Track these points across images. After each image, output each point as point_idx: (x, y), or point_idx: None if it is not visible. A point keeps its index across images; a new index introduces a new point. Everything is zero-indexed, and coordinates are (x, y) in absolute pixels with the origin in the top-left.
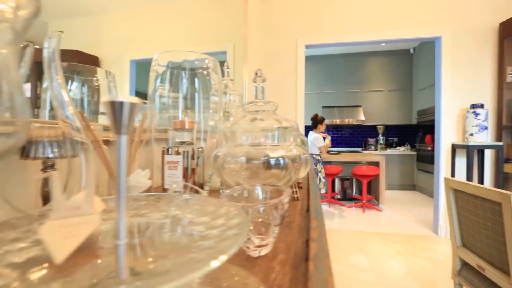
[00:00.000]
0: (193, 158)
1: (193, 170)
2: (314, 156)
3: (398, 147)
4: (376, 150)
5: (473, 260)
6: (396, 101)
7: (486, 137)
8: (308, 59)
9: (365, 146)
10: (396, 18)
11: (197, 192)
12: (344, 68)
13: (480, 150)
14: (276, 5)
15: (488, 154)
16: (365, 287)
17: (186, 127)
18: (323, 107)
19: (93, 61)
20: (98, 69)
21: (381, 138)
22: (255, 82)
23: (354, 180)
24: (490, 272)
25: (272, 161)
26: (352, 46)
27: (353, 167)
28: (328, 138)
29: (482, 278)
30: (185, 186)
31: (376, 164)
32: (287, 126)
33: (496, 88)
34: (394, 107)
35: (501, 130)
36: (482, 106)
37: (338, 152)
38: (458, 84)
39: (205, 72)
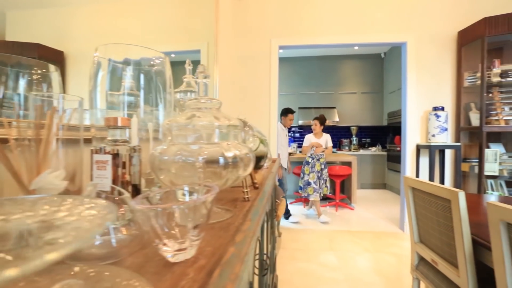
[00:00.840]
0: (126, 157)
1: (126, 170)
2: (306, 157)
3: (370, 148)
4: (350, 150)
5: (428, 255)
6: (368, 103)
7: (446, 138)
8: (285, 60)
9: (339, 147)
10: (366, 23)
11: (120, 194)
12: (319, 70)
13: (441, 150)
14: (251, 5)
15: (448, 154)
16: (333, 285)
17: (119, 124)
18: (300, 108)
19: (57, 55)
20: (42, 63)
21: (354, 139)
22: (196, 78)
23: (328, 180)
24: (442, 266)
25: (212, 160)
26: (324, 48)
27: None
28: (315, 142)
29: (436, 272)
30: (112, 188)
31: (349, 164)
32: (226, 124)
33: (455, 92)
34: (366, 109)
35: (459, 131)
36: (442, 108)
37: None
38: (421, 88)
39: (154, 68)
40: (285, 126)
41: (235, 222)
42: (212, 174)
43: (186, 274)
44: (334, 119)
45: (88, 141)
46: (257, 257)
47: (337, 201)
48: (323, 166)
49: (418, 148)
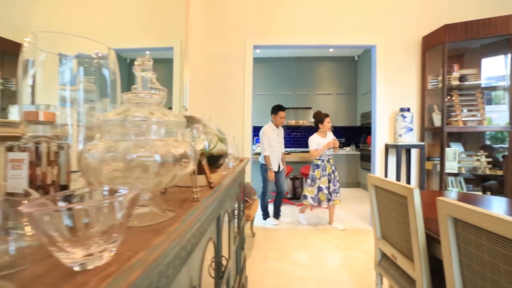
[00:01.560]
0: (49, 156)
1: (47, 169)
2: (314, 160)
3: (344, 147)
4: None
5: (389, 251)
6: (343, 104)
7: (412, 138)
8: (262, 60)
9: None
10: (338, 26)
11: (27, 195)
12: (296, 71)
13: (408, 149)
14: (225, 4)
15: (414, 153)
16: (303, 284)
17: (41, 119)
18: None
19: (19, 48)
20: None
21: None
22: (135, 71)
23: (303, 179)
24: (400, 261)
25: (143, 158)
26: (299, 49)
27: (302, 167)
28: (331, 140)
29: (396, 267)
30: (26, 190)
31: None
32: (163, 120)
33: (420, 94)
34: (341, 110)
35: (423, 131)
36: (408, 109)
37: (289, 153)
38: (390, 90)
39: (96, 62)
40: (276, 126)
41: (173, 224)
42: (143, 172)
43: (85, 284)
44: (311, 119)
45: (15, 138)
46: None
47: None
48: (334, 168)
49: (387, 148)
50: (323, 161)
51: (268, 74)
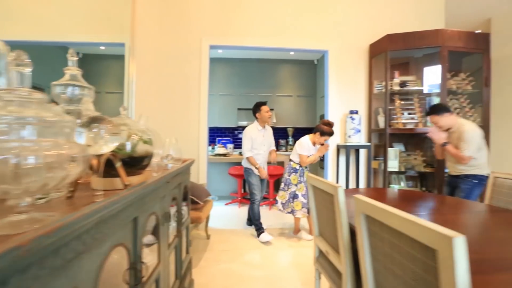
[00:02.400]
0: None
1: None
2: (292, 163)
3: None
4: (287, 150)
5: (324, 247)
6: (303, 106)
7: (360, 139)
8: (225, 61)
9: (277, 148)
10: (294, 30)
11: None
12: (258, 72)
13: (357, 149)
14: (181, 2)
15: (362, 153)
16: (252, 283)
17: None
18: (239, 109)
19: None
20: None
21: (290, 140)
22: (9, 65)
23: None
24: (331, 256)
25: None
26: (255, 50)
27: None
28: (324, 146)
29: (329, 262)
30: None
31: (282, 164)
32: (35, 119)
33: (368, 98)
34: (301, 112)
35: (370, 132)
36: (357, 112)
37: None
38: (341, 93)
39: None
40: (263, 125)
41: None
42: (13, 176)
43: None
44: (272, 120)
45: None
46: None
47: (271, 200)
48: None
49: (338, 148)
50: (300, 166)
51: (231, 75)
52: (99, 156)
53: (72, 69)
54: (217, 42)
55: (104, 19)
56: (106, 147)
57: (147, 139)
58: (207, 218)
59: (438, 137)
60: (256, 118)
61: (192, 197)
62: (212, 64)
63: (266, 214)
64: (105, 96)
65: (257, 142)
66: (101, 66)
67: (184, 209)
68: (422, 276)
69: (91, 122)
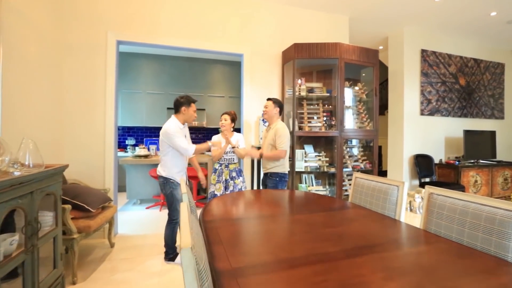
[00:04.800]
0: None
1: None
2: (215, 164)
3: None
4: None
5: None
6: (235, 106)
7: None
8: (153, 57)
9: None
10: (209, 31)
11: None
12: (189, 71)
13: None
14: None
15: None
16: None
17: None
18: (168, 108)
19: None
20: None
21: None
22: None
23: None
24: None
25: None
26: (169, 49)
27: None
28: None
29: None
30: None
31: (205, 165)
32: None
33: None
34: None
35: None
36: None
37: None
38: (256, 96)
39: None
40: (184, 123)
41: None
42: None
43: None
44: (203, 120)
45: None
46: None
47: (195, 202)
48: (234, 175)
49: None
50: (221, 165)
51: (160, 72)
52: None
53: None
54: (125, 37)
55: None
56: None
57: None
58: (111, 225)
59: (254, 153)
60: (179, 113)
61: (79, 203)
62: (138, 59)
63: None
64: None
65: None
66: None
67: (49, 219)
68: None
69: None
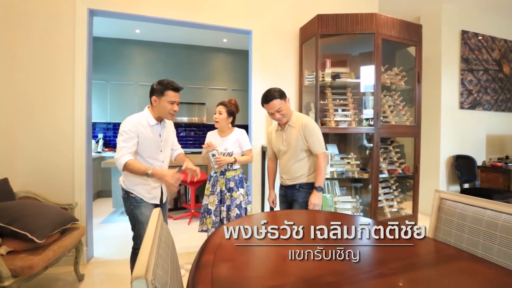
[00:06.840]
0: None
1: None
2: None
3: None
4: None
5: None
6: (239, 101)
7: None
8: (146, 44)
9: None
10: (211, 3)
11: None
12: (187, 60)
13: None
14: None
15: None
16: None
17: None
18: None
19: None
20: None
21: None
22: None
23: (185, 186)
24: None
25: None
26: (160, 24)
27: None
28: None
29: None
30: None
31: (204, 168)
32: None
33: (298, 91)
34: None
35: None
36: None
37: None
38: (267, 84)
39: None
40: (159, 118)
41: None
42: None
43: None
44: (203, 116)
45: None
46: None
47: (193, 211)
48: (232, 185)
49: (264, 151)
50: (215, 172)
51: (153, 61)
52: None
53: None
54: (99, 6)
55: None
56: None
57: None
58: (78, 252)
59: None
60: (152, 104)
61: (19, 231)
62: (128, 46)
63: (185, 230)
64: None
65: (148, 141)
66: None
67: None
68: None
69: None
